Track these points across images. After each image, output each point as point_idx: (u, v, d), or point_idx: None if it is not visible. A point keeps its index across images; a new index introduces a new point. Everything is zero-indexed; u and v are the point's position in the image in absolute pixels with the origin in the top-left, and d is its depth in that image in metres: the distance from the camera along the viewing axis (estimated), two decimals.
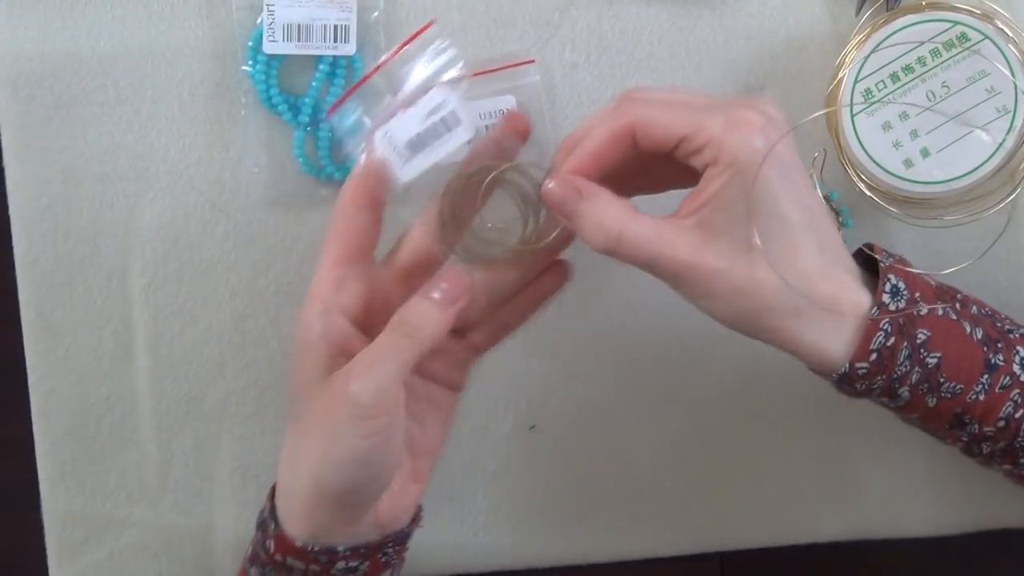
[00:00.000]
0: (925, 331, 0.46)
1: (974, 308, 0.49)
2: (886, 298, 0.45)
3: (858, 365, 0.45)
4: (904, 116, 0.58)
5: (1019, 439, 0.47)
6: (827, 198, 0.60)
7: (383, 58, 0.57)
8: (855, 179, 0.60)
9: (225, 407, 0.63)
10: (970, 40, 0.57)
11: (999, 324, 0.49)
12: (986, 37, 0.57)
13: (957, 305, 0.48)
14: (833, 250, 0.46)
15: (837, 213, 0.60)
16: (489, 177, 0.53)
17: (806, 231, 0.45)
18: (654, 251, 0.44)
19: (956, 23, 0.57)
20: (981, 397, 0.47)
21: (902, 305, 0.45)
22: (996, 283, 0.62)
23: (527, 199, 0.53)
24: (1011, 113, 0.57)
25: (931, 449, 0.63)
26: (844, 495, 0.63)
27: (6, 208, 0.62)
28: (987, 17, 0.58)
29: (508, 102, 0.60)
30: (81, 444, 0.63)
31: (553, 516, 0.63)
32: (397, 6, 0.61)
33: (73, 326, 0.62)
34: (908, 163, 0.58)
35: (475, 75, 0.60)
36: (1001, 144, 0.58)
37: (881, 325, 0.45)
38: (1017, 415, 0.47)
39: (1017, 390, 0.47)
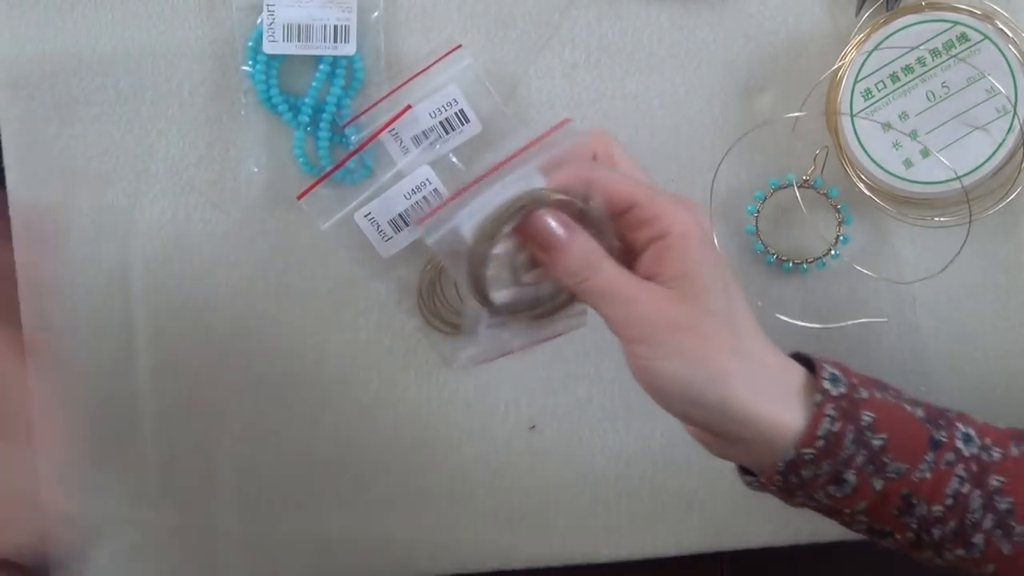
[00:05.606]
0: (869, 414, 0.47)
1: (907, 395, 0.50)
2: (827, 384, 0.47)
3: (804, 451, 0.46)
4: (904, 116, 0.58)
5: (969, 515, 0.47)
6: (827, 195, 0.60)
7: (405, 78, 0.60)
8: (855, 179, 0.60)
9: (225, 407, 0.63)
10: (970, 40, 0.57)
11: (936, 407, 0.50)
12: (986, 37, 0.57)
13: (891, 392, 0.49)
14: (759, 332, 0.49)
15: (837, 210, 0.60)
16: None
17: (744, 313, 0.47)
18: (632, 295, 0.45)
19: (956, 23, 0.57)
20: (927, 475, 0.47)
21: (843, 391, 0.47)
22: (996, 283, 0.62)
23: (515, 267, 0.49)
24: (1011, 113, 0.57)
25: None
26: None
27: (6, 208, 0.62)
28: (987, 17, 0.58)
29: (453, 93, 0.60)
30: (81, 444, 0.63)
31: (553, 516, 0.63)
32: (397, 6, 0.61)
33: (73, 326, 0.62)
34: (908, 163, 0.58)
35: (413, 76, 0.60)
36: (1001, 144, 0.58)
37: (826, 411, 0.46)
38: (964, 490, 0.47)
39: (962, 465, 0.47)
